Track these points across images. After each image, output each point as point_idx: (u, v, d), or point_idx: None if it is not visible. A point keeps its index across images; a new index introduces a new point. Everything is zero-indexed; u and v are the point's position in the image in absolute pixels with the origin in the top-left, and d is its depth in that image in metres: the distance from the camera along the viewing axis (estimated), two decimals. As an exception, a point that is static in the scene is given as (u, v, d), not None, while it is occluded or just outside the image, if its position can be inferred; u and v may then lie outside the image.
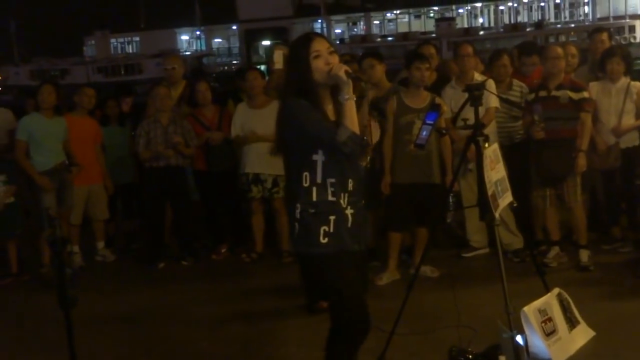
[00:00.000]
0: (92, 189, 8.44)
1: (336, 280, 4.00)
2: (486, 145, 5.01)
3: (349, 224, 4.00)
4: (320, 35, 4.09)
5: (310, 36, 4.03)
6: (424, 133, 5.40)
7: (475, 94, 5.13)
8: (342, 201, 3.99)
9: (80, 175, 8.22)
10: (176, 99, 8.50)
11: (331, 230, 3.95)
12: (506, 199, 5.18)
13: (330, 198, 3.96)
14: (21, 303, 7.32)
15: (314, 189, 3.95)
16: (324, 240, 3.94)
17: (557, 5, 78.21)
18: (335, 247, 3.95)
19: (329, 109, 3.94)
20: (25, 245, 8.25)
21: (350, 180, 4.02)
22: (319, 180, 3.94)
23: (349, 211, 4.01)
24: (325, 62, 3.91)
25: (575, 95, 7.00)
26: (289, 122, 3.96)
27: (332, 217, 3.96)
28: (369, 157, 4.20)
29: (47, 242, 3.31)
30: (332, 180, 3.95)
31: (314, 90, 3.94)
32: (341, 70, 3.84)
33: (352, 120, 3.85)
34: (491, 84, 7.17)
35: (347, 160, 3.96)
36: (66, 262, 3.39)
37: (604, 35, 8.11)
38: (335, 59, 3.93)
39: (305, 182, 3.96)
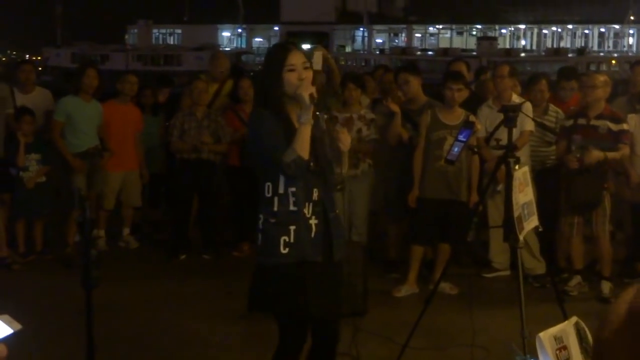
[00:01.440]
0: (128, 175, 8.54)
1: (290, 291, 3.92)
2: (516, 167, 5.00)
3: (312, 234, 3.93)
4: (297, 47, 4.06)
5: (288, 47, 4.01)
6: (456, 149, 5.40)
7: (510, 115, 5.12)
8: (305, 210, 3.91)
9: (118, 161, 8.34)
10: (212, 94, 8.57)
11: (291, 240, 3.87)
12: (532, 222, 5.16)
13: (291, 208, 3.89)
14: (42, 281, 7.40)
15: (276, 199, 3.90)
16: (284, 251, 3.87)
17: (601, 34, 77.81)
18: (295, 257, 3.88)
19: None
20: (52, 225, 8.34)
21: (315, 190, 3.95)
22: (281, 190, 3.89)
23: (312, 221, 3.93)
24: (298, 76, 3.88)
25: (614, 126, 6.94)
26: (252, 131, 3.99)
27: (292, 227, 3.88)
28: (340, 186, 4.17)
29: (76, 222, 3.34)
30: (294, 189, 3.89)
31: (280, 102, 3.93)
32: (307, 91, 3.81)
33: (303, 144, 3.81)
34: (528, 107, 7.13)
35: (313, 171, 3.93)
36: (92, 243, 3.43)
37: None
38: (309, 74, 3.91)
39: (268, 193, 3.92)
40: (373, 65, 56.65)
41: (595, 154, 6.83)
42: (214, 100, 8.63)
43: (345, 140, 4.03)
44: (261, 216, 3.94)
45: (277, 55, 3.97)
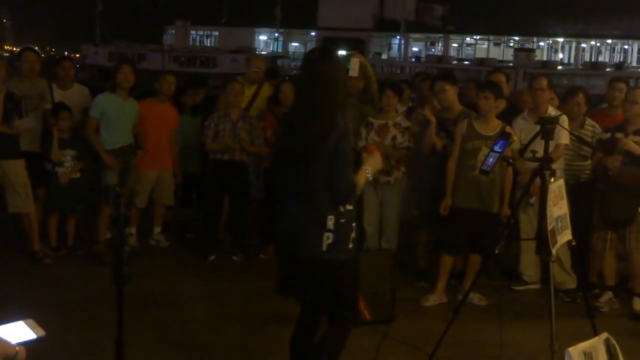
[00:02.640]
0: (162, 175, 8.56)
1: (352, 282, 4.46)
2: (552, 180, 4.96)
3: None
4: None
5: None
6: (491, 160, 5.38)
7: (547, 127, 5.09)
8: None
9: (152, 160, 8.37)
10: (250, 97, 8.60)
11: (354, 235, 4.37)
12: (565, 236, 5.12)
13: (349, 207, 4.34)
14: (73, 276, 7.45)
15: None
16: (351, 246, 4.33)
17: (640, 50, 77.07)
18: (355, 250, 4.38)
19: None
20: (84, 221, 8.40)
21: None
22: None
23: None
24: None
25: None
26: (347, 139, 4.27)
27: (354, 224, 4.38)
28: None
29: (111, 218, 3.37)
30: None
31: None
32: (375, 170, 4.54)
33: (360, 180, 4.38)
34: (564, 120, 7.07)
35: None
36: (126, 240, 3.45)
37: None
38: None
39: None
40: (409, 73, 56.75)
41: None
42: (252, 103, 8.64)
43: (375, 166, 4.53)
44: (332, 217, 4.26)
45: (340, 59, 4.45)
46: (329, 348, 4.50)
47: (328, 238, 4.25)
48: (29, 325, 2.64)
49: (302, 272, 4.41)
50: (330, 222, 4.24)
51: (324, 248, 4.25)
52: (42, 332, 2.62)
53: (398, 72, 64.39)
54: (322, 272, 4.34)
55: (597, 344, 4.98)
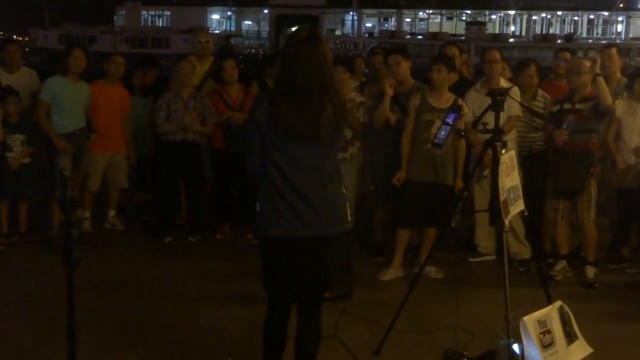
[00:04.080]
0: (115, 157, 8.45)
1: None
2: (503, 151, 5.00)
3: None
4: None
5: None
6: (443, 133, 5.40)
7: (498, 98, 5.12)
8: None
9: (104, 143, 8.26)
10: (203, 75, 8.52)
11: None
12: (518, 207, 5.17)
13: None
14: (26, 263, 7.35)
15: None
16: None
17: (590, 21, 78.02)
18: None
19: None
20: (37, 207, 8.28)
21: None
22: None
23: None
24: None
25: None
26: None
27: None
28: None
29: (58, 202, 3.30)
30: None
31: None
32: None
33: None
34: (516, 92, 7.14)
35: None
36: (74, 223, 3.40)
37: (613, 51, 8.06)
38: None
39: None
40: (362, 49, 56.69)
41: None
42: (205, 81, 8.56)
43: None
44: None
45: None
46: (316, 344, 4.36)
47: (345, 208, 4.19)
48: None
49: (326, 250, 4.12)
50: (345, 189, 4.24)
51: (349, 217, 4.22)
52: None
53: (352, 48, 64.36)
54: (345, 242, 4.32)
55: (551, 312, 5.07)
